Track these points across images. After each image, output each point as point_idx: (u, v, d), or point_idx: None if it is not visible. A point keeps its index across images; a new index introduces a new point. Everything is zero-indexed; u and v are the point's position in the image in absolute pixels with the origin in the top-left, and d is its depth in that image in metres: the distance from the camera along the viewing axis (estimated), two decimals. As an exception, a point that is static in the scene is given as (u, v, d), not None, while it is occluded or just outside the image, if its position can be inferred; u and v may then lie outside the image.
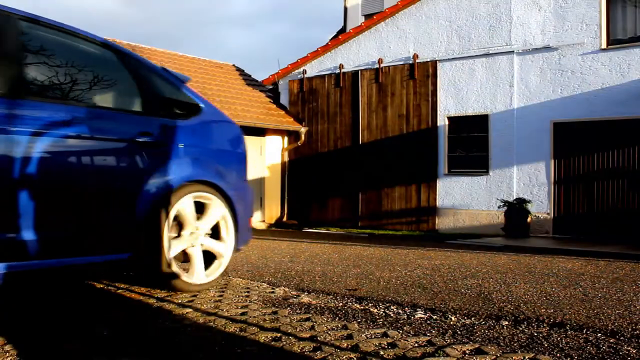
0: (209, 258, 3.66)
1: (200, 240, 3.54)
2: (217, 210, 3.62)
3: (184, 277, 3.43)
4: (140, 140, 3.19)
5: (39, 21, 3.01)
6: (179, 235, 3.44)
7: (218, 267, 3.70)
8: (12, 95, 2.72)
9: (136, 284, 3.96)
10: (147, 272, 3.40)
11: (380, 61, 12.07)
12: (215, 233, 3.67)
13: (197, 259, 3.53)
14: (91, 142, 3.00)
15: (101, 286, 3.87)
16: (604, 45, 9.65)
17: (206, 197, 3.53)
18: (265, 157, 13.19)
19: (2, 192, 2.62)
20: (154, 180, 3.22)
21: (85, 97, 3.21)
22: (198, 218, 3.54)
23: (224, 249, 3.71)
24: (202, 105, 3.76)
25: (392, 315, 3.12)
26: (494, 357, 2.36)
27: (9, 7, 2.90)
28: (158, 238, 3.22)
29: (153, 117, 3.37)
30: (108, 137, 3.07)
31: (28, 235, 2.68)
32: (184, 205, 3.38)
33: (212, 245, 3.64)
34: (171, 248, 3.33)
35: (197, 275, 3.53)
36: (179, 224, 3.44)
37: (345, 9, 13.83)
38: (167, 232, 3.28)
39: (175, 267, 3.36)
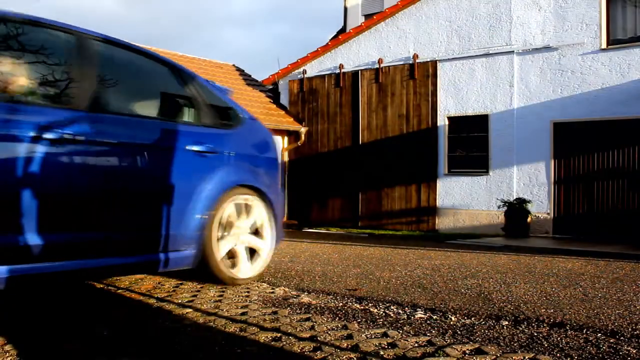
0: (251, 254, 4.01)
1: (244, 237, 3.89)
2: (259, 211, 3.98)
3: (232, 271, 3.78)
4: (198, 149, 3.57)
5: (112, 41, 3.36)
6: (226, 234, 3.76)
7: (260, 263, 4.04)
8: (93, 110, 3.04)
9: (136, 284, 3.96)
10: (201, 267, 3.65)
11: (380, 61, 12.07)
12: (255, 231, 4.02)
13: (242, 255, 3.87)
14: (163, 151, 3.37)
15: (101, 286, 3.87)
16: (604, 45, 9.65)
17: (250, 199, 3.90)
18: (265, 157, 13.17)
19: (112, 198, 3.06)
20: (210, 184, 3.59)
21: (153, 111, 3.71)
22: (242, 218, 3.89)
23: (265, 246, 4.06)
24: (243, 115, 4.19)
25: (392, 315, 3.12)
26: (494, 357, 2.36)
27: (88, 29, 3.23)
28: (211, 236, 3.58)
29: (206, 127, 3.77)
30: (174, 147, 3.43)
31: (149, 236, 3.23)
32: (232, 206, 3.76)
33: (255, 242, 3.99)
34: (221, 245, 3.68)
35: (243, 269, 3.87)
36: (227, 223, 3.78)
37: (345, 9, 13.83)
38: (219, 231, 3.66)
39: (225, 262, 3.73)
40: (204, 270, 3.67)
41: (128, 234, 3.18)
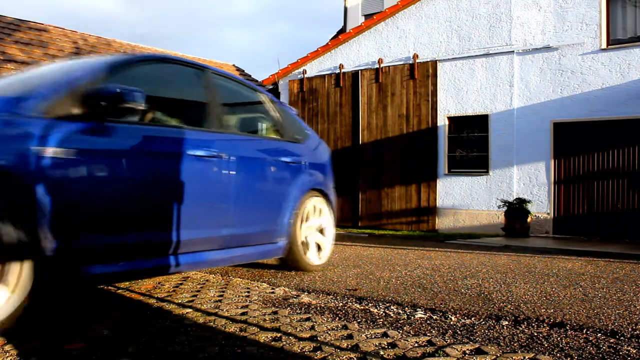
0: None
1: (314, 232, 4.77)
2: (324, 210, 4.89)
3: (307, 258, 4.61)
4: (287, 160, 4.45)
5: (225, 75, 4.17)
6: (304, 228, 4.62)
7: (325, 253, 4.90)
8: (221, 131, 3.76)
9: (136, 283, 3.97)
10: (288, 255, 4.44)
11: (380, 61, 12.08)
12: (319, 228, 4.87)
13: (312, 246, 4.73)
14: (269, 163, 4.21)
15: (101, 286, 3.87)
16: (604, 45, 9.65)
17: (319, 200, 4.78)
18: (265, 157, 13.18)
19: (244, 201, 3.86)
20: (295, 188, 4.44)
21: (257, 130, 4.75)
22: (313, 216, 4.75)
23: (326, 242, 4.93)
24: (308, 131, 5.09)
25: (392, 315, 3.12)
26: (494, 357, 2.36)
27: (209, 66, 3.96)
28: (296, 230, 4.43)
29: (288, 142, 4.60)
30: (275, 159, 4.31)
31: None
32: (308, 205, 4.63)
33: (319, 238, 4.85)
34: (300, 237, 4.53)
35: (313, 258, 4.72)
36: (305, 219, 4.62)
37: (345, 9, 13.83)
38: (301, 225, 4.53)
39: (304, 251, 4.57)
40: (288, 258, 4.46)
41: (253, 229, 4.00)
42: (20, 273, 2.46)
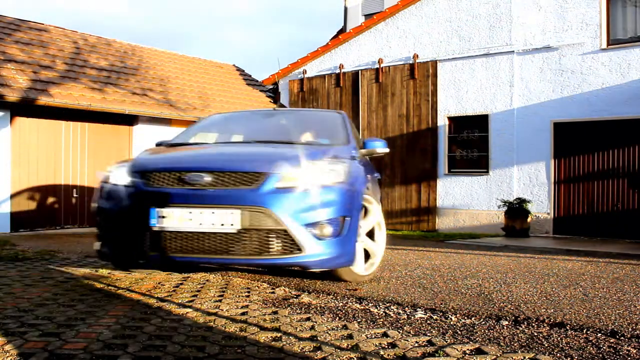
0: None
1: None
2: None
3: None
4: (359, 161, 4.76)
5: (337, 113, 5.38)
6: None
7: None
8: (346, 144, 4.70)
9: (136, 283, 3.96)
10: None
11: (380, 61, 12.08)
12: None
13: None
14: (355, 161, 4.39)
15: (101, 286, 3.87)
16: (604, 45, 9.65)
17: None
18: (266, 157, 13.17)
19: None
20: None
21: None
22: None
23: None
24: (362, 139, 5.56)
25: (392, 315, 3.12)
26: (494, 357, 2.36)
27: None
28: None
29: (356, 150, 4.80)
30: (355, 158, 4.56)
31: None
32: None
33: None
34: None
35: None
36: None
37: (346, 9, 13.83)
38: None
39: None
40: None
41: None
42: None
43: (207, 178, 3.49)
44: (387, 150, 4.87)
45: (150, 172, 3.63)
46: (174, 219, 3.39)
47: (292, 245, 3.42)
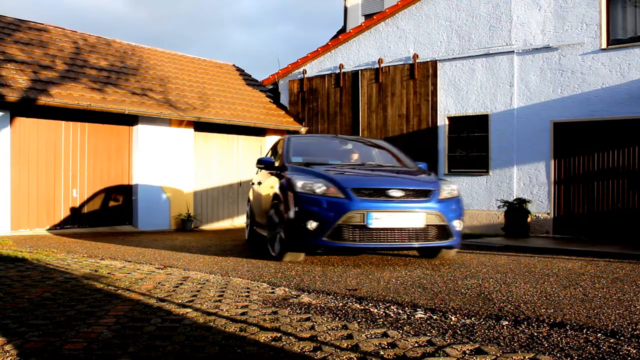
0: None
1: None
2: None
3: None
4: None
5: (380, 145, 7.51)
6: None
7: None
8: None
9: (136, 283, 3.96)
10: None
11: (380, 61, 12.08)
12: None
13: None
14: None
15: (101, 286, 3.87)
16: (604, 45, 9.64)
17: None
18: (266, 157, 13.18)
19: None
20: None
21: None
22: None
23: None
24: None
25: (392, 315, 3.12)
26: (494, 357, 2.36)
27: (373, 140, 7.39)
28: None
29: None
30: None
31: None
32: None
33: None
34: None
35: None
36: None
37: (346, 9, 13.83)
38: None
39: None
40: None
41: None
42: None
43: (401, 193, 5.29)
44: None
45: (359, 189, 5.19)
46: (382, 220, 5.11)
47: (448, 234, 5.47)
